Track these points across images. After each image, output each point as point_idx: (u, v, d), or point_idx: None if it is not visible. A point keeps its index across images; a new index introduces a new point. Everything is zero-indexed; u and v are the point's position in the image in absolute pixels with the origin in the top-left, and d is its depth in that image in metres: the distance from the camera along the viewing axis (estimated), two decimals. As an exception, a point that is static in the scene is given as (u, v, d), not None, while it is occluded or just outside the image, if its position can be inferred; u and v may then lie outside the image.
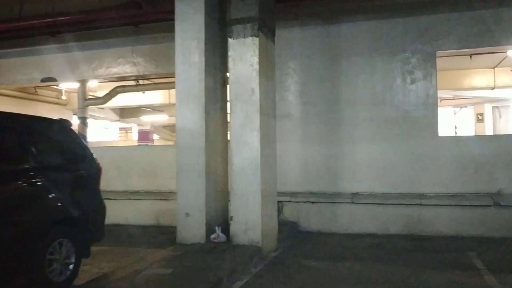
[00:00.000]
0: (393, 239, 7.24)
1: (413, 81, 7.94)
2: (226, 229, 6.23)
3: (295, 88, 8.54)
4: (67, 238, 4.63)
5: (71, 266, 4.65)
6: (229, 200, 6.37)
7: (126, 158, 9.51)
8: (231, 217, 6.12)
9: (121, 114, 20.12)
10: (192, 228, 6.26)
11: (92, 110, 17.54)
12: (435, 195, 7.61)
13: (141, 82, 12.22)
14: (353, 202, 7.84)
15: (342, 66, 8.28)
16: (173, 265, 5.15)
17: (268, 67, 6.51)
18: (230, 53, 6.22)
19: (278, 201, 7.63)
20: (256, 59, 6.08)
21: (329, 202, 7.98)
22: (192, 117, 6.33)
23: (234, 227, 6.09)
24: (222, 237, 6.21)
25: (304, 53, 8.49)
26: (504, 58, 10.95)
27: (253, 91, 6.09)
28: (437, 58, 7.88)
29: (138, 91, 12.21)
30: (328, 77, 8.33)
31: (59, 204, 4.66)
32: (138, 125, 23.38)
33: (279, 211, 8.01)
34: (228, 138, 6.48)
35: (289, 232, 7.60)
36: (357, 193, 7.98)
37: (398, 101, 7.98)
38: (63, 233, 4.61)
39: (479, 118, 23.61)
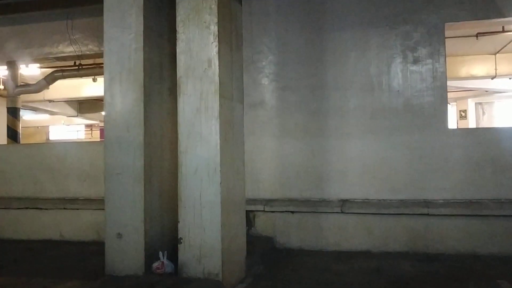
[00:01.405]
0: (395, 260, 5.66)
1: (416, 60, 6.40)
2: (176, 255, 4.51)
3: (270, 69, 6.90)
4: None
5: None
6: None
7: (62, 158, 7.63)
8: (180, 238, 4.40)
9: (80, 108, 18.08)
10: (126, 254, 4.51)
11: (43, 103, 15.64)
12: (445, 202, 6.09)
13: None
14: (342, 212, 6.23)
15: (328, 43, 6.68)
16: (81, 320, 3.42)
17: (232, 34, 4.83)
18: (178, 11, 4.50)
19: (249, 211, 6.06)
20: (214, 19, 4.38)
21: (312, 212, 6.35)
22: (126, 100, 4.57)
23: (184, 253, 4.37)
24: (169, 266, 4.49)
25: (282, 27, 6.86)
26: (510, 42, 9.54)
27: (210, 64, 4.38)
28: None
29: (81, 76, 10.31)
30: (311, 57, 6.73)
31: None
32: (101, 121, 21.38)
33: (250, 223, 6.37)
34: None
35: (263, 251, 5.92)
36: (347, 200, 6.40)
37: (398, 85, 6.44)
38: None
39: (462, 115, 22.61)
